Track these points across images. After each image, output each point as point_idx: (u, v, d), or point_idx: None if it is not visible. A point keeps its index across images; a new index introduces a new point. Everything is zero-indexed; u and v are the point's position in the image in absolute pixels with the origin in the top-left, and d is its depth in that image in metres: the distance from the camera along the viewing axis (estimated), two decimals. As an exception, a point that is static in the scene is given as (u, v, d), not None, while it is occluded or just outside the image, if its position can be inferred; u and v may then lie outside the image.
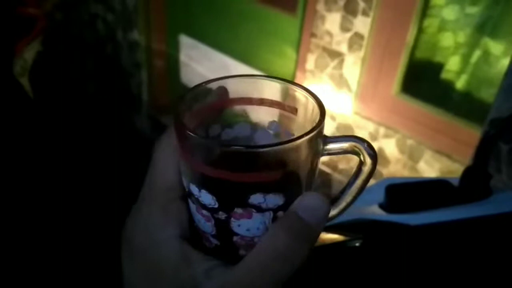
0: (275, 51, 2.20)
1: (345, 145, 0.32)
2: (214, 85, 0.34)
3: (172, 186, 0.32)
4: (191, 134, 0.29)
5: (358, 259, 0.48)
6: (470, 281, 0.45)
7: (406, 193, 0.54)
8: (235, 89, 0.34)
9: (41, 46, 2.34)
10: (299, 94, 0.33)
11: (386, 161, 1.85)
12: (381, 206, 0.54)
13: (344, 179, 1.99)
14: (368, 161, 0.32)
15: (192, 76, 2.70)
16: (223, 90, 0.34)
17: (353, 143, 0.31)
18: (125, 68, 2.94)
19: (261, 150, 0.29)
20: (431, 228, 0.48)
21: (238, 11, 2.30)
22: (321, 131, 0.30)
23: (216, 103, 0.33)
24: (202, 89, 0.33)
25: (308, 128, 0.30)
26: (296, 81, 2.04)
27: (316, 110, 0.32)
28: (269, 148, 0.28)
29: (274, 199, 0.30)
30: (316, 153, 0.31)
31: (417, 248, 0.48)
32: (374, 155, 0.32)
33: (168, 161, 0.33)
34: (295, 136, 0.29)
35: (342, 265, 0.47)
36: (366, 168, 0.32)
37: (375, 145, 1.86)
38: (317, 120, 0.30)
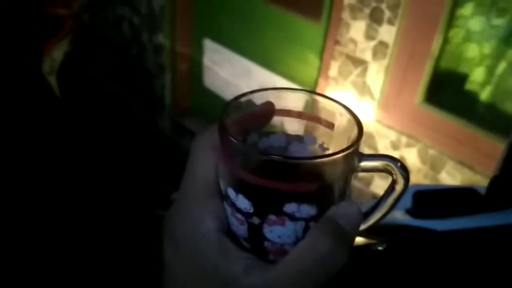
0: (299, 57, 2.21)
1: (379, 163, 0.33)
2: (255, 96, 0.35)
3: (211, 182, 0.33)
4: (235, 140, 0.30)
5: (383, 263, 0.49)
6: (494, 286, 0.45)
7: (433, 199, 0.54)
8: (275, 100, 0.35)
9: (69, 46, 2.38)
10: (338, 110, 0.34)
11: (407, 171, 1.84)
12: (408, 211, 0.54)
13: (364, 188, 1.99)
14: (401, 180, 0.33)
15: (215, 80, 2.72)
16: (270, 104, 0.35)
17: (387, 162, 0.33)
18: (149, 70, 2.97)
19: (301, 162, 0.30)
20: (457, 235, 0.49)
21: (262, 16, 2.31)
22: (358, 149, 0.32)
23: (256, 113, 0.35)
24: (245, 99, 0.35)
25: (344, 144, 0.32)
26: (319, 88, 2.05)
27: (354, 127, 0.33)
28: (309, 161, 0.30)
29: (308, 209, 0.31)
30: (351, 169, 0.32)
31: (443, 253, 0.48)
32: (406, 175, 0.33)
33: (207, 158, 0.34)
34: (332, 151, 0.31)
35: (367, 268, 0.48)
36: (398, 187, 0.33)
37: (397, 154, 1.85)
38: (354, 137, 0.32)
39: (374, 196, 1.56)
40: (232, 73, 2.60)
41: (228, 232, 0.33)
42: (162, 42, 2.79)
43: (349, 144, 0.31)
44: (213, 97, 2.73)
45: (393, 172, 0.33)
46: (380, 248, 0.48)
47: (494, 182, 0.55)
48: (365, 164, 0.33)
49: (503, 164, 0.54)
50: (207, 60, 2.72)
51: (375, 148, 1.92)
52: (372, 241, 0.50)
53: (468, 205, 0.54)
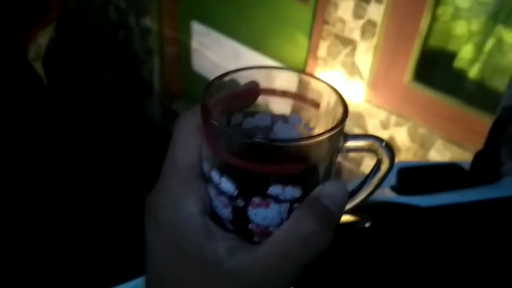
0: (287, 38, 2.20)
1: (364, 143, 0.33)
2: (240, 75, 0.34)
3: (194, 164, 0.33)
4: (216, 123, 0.30)
5: (368, 240, 0.49)
6: (478, 261, 0.45)
7: (417, 176, 0.54)
8: (259, 79, 0.35)
9: (54, 32, 2.35)
10: (323, 89, 0.34)
11: (397, 150, 1.85)
12: (393, 188, 0.54)
13: (354, 168, 1.99)
14: (386, 160, 0.33)
15: (204, 63, 2.70)
16: (254, 83, 0.34)
17: (372, 142, 0.32)
18: (137, 55, 2.94)
19: (285, 144, 0.30)
20: (441, 210, 0.49)
21: (251, -2, 2.29)
22: (343, 129, 0.31)
23: (241, 92, 0.34)
24: (228, 78, 0.34)
25: (329, 124, 0.31)
26: (308, 68, 2.04)
27: (339, 107, 0.32)
28: (293, 143, 0.30)
29: (292, 191, 0.31)
30: (336, 150, 0.32)
31: (427, 229, 0.49)
32: (391, 154, 0.33)
33: (190, 139, 0.33)
34: (318, 131, 0.31)
35: (353, 246, 0.48)
36: (383, 167, 0.33)
37: (387, 133, 1.86)
38: (339, 117, 0.31)
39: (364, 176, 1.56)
40: (221, 56, 2.58)
41: (212, 214, 0.33)
42: (150, 26, 2.76)
43: (334, 124, 0.31)
44: (202, 81, 2.71)
45: (378, 151, 0.33)
46: (365, 225, 0.48)
47: (478, 157, 0.55)
48: (350, 144, 0.32)
49: (488, 138, 0.55)
50: (195, 43, 2.70)
51: (364, 128, 1.92)
52: (357, 219, 0.50)
53: (452, 180, 0.54)
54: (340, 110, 0.32)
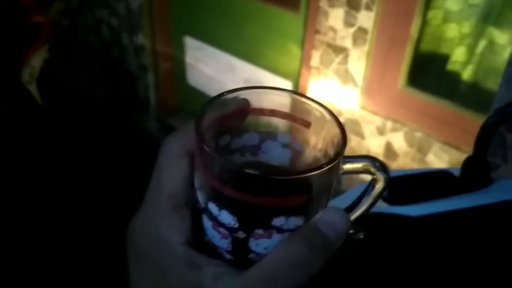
0: (280, 49, 2.20)
1: (360, 165, 0.33)
2: (230, 96, 0.33)
3: (177, 193, 0.32)
4: (218, 156, 0.29)
5: (361, 252, 0.48)
6: (473, 270, 0.45)
7: (407, 185, 0.54)
8: (249, 99, 0.34)
9: (48, 53, 2.36)
10: (315, 109, 0.34)
11: (395, 155, 1.84)
12: (383, 198, 0.54)
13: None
14: (381, 180, 0.33)
15: (199, 77, 2.71)
16: (244, 102, 0.34)
17: (367, 163, 0.32)
18: (131, 72, 2.95)
19: (290, 178, 0.29)
20: (433, 219, 0.49)
21: (241, 10, 2.30)
22: (343, 155, 0.31)
23: (228, 113, 0.34)
24: (220, 100, 0.33)
25: (320, 143, 0.32)
26: (302, 78, 2.04)
27: (333, 128, 0.32)
28: (297, 176, 0.29)
29: (295, 221, 0.30)
30: (336, 175, 0.32)
31: (419, 239, 0.48)
32: (387, 176, 0.32)
33: (174, 165, 0.33)
34: (307, 151, 0.31)
35: (345, 258, 0.48)
36: (378, 186, 0.33)
37: (383, 139, 1.86)
38: (338, 142, 0.31)
39: (362, 182, 1.55)
40: (215, 69, 2.59)
41: (201, 243, 0.32)
42: (143, 42, 2.77)
43: (333, 149, 0.31)
44: (198, 95, 2.72)
45: (373, 172, 0.32)
46: (359, 237, 0.47)
47: (468, 163, 0.54)
48: (347, 167, 0.32)
49: (476, 144, 0.54)
50: (189, 58, 2.71)
51: (361, 134, 1.92)
52: (350, 231, 0.50)
53: (442, 188, 0.54)
54: (335, 132, 0.32)
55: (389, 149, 1.86)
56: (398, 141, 1.83)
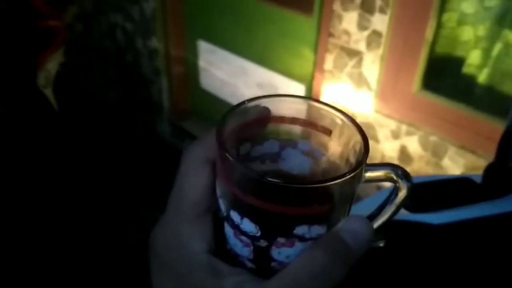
0: (293, 52, 2.20)
1: (381, 173, 0.32)
2: (251, 105, 0.34)
3: (200, 201, 0.32)
4: (238, 163, 0.29)
5: (382, 260, 0.48)
6: (495, 279, 0.44)
7: (428, 192, 0.54)
8: (269, 107, 0.34)
9: (63, 57, 2.38)
10: (335, 116, 0.33)
11: (410, 159, 1.83)
12: (404, 205, 0.53)
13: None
14: (403, 188, 0.32)
15: (212, 81, 2.72)
16: (265, 110, 0.34)
17: (388, 171, 0.32)
18: (145, 76, 2.97)
19: (312, 186, 0.29)
20: (454, 227, 0.48)
21: (255, 14, 2.30)
22: (365, 163, 0.31)
23: (249, 122, 0.34)
24: (241, 109, 0.33)
25: (340, 150, 0.32)
26: (315, 81, 2.04)
27: (354, 135, 0.32)
28: (320, 184, 0.29)
29: (318, 229, 0.30)
30: (358, 183, 0.32)
31: (440, 247, 0.48)
32: (409, 184, 0.32)
33: (196, 173, 0.33)
34: (328, 158, 0.31)
35: (366, 266, 0.47)
36: (401, 194, 0.33)
37: (397, 143, 1.84)
38: (360, 149, 0.31)
39: (378, 188, 1.55)
40: (228, 73, 2.59)
41: (223, 251, 0.32)
42: (157, 46, 2.78)
43: (356, 156, 0.31)
44: (211, 98, 2.72)
45: (395, 179, 0.32)
46: (380, 245, 0.47)
47: (490, 169, 0.54)
48: (369, 175, 0.32)
49: (498, 150, 0.54)
50: (202, 62, 2.72)
51: (376, 138, 1.91)
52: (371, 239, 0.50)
53: (464, 195, 0.53)
54: (357, 139, 0.32)
55: (403, 153, 1.85)
56: (413, 145, 1.82)
